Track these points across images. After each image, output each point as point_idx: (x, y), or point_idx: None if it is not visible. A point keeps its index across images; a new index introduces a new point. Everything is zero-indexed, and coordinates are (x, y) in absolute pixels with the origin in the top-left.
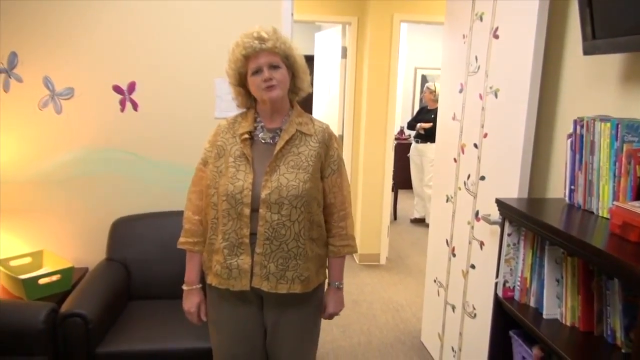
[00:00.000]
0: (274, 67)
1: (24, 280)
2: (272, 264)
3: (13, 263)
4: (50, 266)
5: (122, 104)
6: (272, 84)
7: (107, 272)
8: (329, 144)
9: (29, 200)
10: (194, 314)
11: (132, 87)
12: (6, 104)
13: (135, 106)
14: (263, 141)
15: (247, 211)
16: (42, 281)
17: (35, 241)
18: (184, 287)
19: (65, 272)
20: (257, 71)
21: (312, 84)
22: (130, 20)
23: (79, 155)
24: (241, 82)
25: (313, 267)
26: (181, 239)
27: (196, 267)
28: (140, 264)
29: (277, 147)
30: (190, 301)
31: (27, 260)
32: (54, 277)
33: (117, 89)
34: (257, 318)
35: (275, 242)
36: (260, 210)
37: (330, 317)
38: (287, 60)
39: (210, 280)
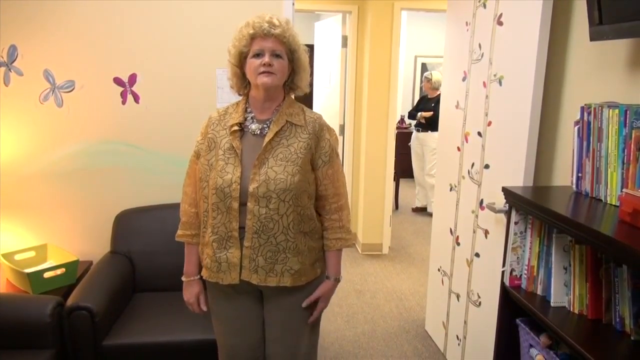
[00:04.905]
0: (276, 55)
1: (29, 274)
2: (261, 257)
3: (17, 257)
4: (54, 260)
5: (124, 96)
6: (269, 70)
7: (111, 265)
8: (319, 135)
9: (31, 194)
10: (194, 304)
11: (133, 79)
12: (7, 98)
13: (136, 98)
14: (253, 133)
15: (235, 205)
16: (47, 275)
17: (39, 235)
18: (183, 279)
19: (70, 266)
20: (259, 54)
21: (311, 84)
22: (130, 11)
23: (80, 149)
24: (240, 63)
25: (307, 260)
26: (179, 232)
27: (194, 259)
28: (145, 257)
29: (266, 140)
30: (189, 292)
31: (31, 254)
32: (59, 271)
33: (118, 81)
34: (255, 310)
35: (263, 236)
36: (249, 204)
37: (320, 312)
38: (291, 55)
39: (203, 273)
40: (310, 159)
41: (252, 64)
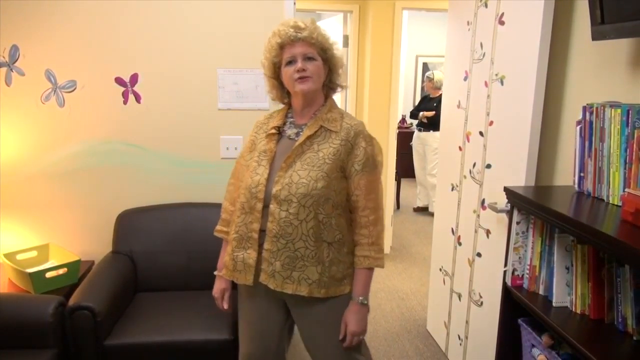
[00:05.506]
0: (308, 58)
1: (31, 274)
2: (278, 262)
3: (19, 257)
4: (56, 259)
5: (125, 96)
6: (305, 74)
7: (113, 264)
8: (354, 143)
9: (33, 194)
10: (219, 300)
11: (134, 79)
12: (8, 98)
13: (138, 98)
14: (289, 137)
15: (259, 206)
16: (49, 274)
17: (41, 235)
18: (215, 273)
19: (72, 266)
20: (291, 61)
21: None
22: (132, 11)
23: (82, 149)
24: (275, 74)
25: (328, 272)
26: (217, 227)
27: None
28: (147, 256)
29: (297, 143)
30: (217, 286)
31: (33, 254)
32: (61, 271)
33: (119, 81)
34: (276, 317)
35: (282, 240)
36: (271, 206)
37: (352, 337)
38: (324, 54)
39: (223, 270)
40: (342, 167)
41: (286, 72)
